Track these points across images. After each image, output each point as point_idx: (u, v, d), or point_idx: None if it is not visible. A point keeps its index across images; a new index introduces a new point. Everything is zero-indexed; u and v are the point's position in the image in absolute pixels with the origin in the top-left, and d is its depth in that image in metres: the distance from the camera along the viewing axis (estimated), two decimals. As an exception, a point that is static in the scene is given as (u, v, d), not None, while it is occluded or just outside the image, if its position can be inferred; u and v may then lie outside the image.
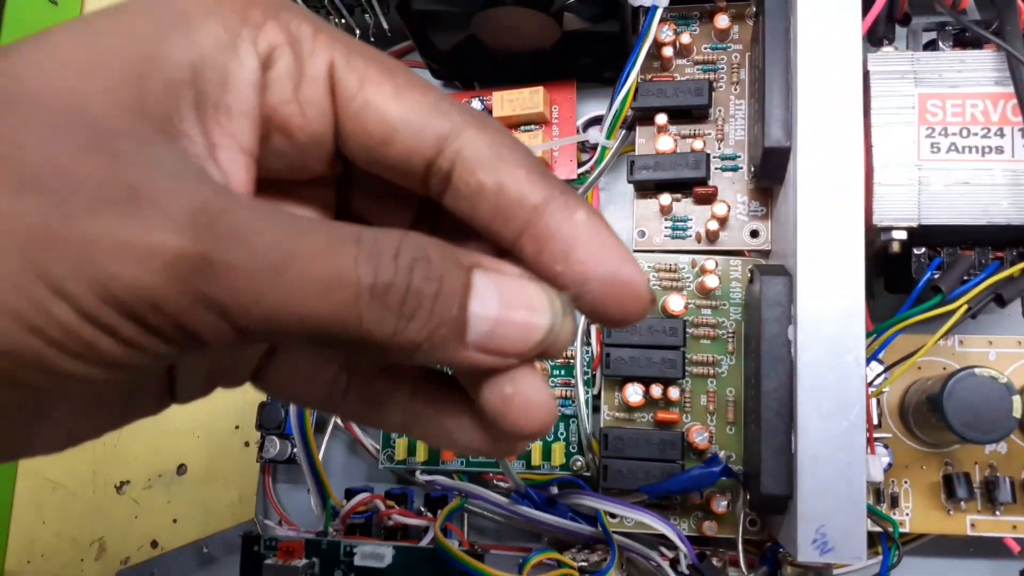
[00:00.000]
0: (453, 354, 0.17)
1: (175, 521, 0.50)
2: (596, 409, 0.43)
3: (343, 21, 0.46)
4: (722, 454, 0.40)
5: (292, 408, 0.44)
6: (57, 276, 0.14)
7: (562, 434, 0.44)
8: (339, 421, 0.45)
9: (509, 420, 0.18)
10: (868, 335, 0.36)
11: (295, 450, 0.44)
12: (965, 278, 0.36)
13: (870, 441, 0.36)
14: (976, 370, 0.35)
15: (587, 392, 0.43)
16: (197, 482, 0.50)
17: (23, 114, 0.15)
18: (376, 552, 0.37)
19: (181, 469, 0.50)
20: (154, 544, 0.50)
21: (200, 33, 0.17)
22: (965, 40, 0.38)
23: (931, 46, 0.39)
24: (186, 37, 0.17)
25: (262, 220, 0.15)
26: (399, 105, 0.18)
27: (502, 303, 0.17)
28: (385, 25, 0.46)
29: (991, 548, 0.40)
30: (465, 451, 0.27)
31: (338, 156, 0.19)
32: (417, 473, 0.44)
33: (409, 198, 0.20)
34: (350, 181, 0.21)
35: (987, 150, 0.35)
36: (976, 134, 0.35)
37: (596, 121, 0.46)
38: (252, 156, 0.18)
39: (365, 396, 0.21)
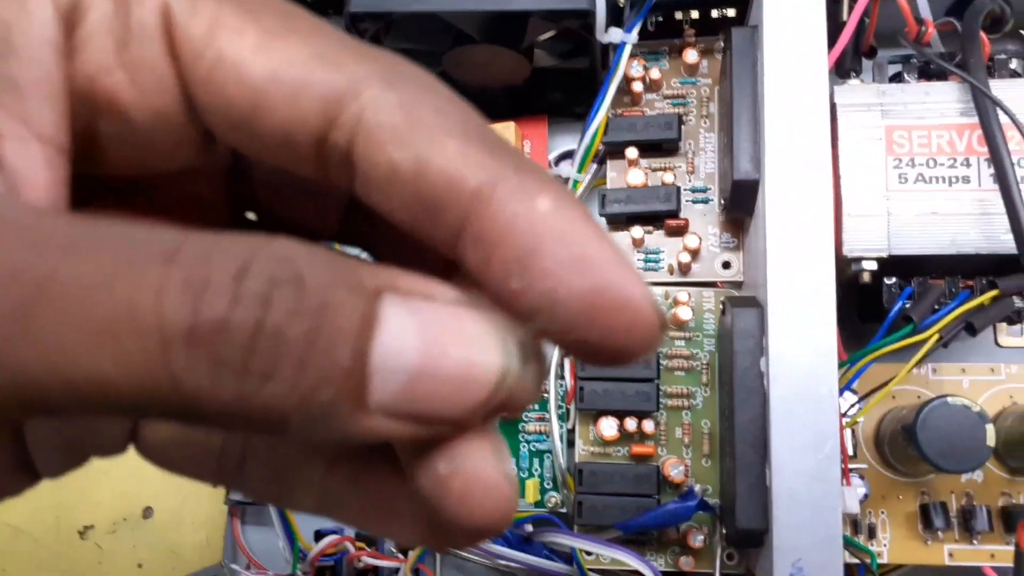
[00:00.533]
0: (347, 424, 0.11)
1: (140, 566, 0.48)
2: (571, 444, 0.42)
3: (314, 57, 0.46)
4: (698, 487, 0.40)
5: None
6: None
7: (536, 470, 0.43)
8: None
9: (448, 510, 0.12)
10: (841, 365, 0.36)
11: (264, 491, 0.43)
12: (936, 307, 0.36)
13: (845, 472, 0.36)
14: (949, 399, 0.35)
15: (561, 427, 0.42)
16: (164, 526, 0.48)
17: None
18: (346, 595, 0.36)
19: (147, 512, 0.49)
20: (119, 591, 0.48)
21: None
22: (930, 72, 0.38)
23: (897, 78, 0.39)
24: None
25: (14, 235, 0.10)
26: (266, 58, 0.13)
27: (424, 345, 0.11)
28: (356, 61, 0.46)
29: (969, 579, 0.40)
30: (403, 543, 0.20)
31: (213, 141, 0.14)
32: (390, 513, 0.43)
33: (320, 197, 0.15)
34: (247, 172, 0.15)
35: (954, 180, 0.35)
36: (943, 164, 0.35)
37: (568, 155, 0.46)
38: (59, 148, 0.13)
39: (266, 472, 0.16)
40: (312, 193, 0.15)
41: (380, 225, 0.14)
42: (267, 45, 0.13)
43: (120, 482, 0.49)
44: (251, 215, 0.16)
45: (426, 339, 0.11)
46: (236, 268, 0.10)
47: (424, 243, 0.13)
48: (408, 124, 0.12)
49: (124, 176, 0.14)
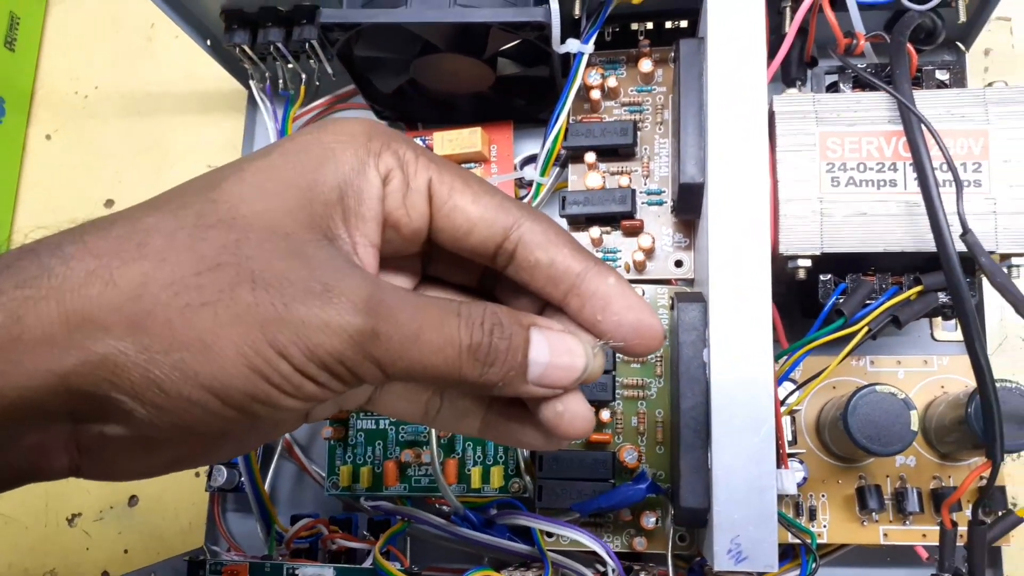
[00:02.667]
0: (519, 388, 0.25)
1: (126, 552, 0.50)
2: (533, 433, 0.44)
3: (290, 67, 0.48)
4: (649, 472, 0.42)
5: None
6: (281, 344, 0.21)
7: (501, 458, 0.45)
8: (285, 449, 0.47)
9: (560, 430, 0.26)
10: (781, 355, 0.38)
11: (242, 478, 0.45)
12: (867, 302, 0.38)
13: (783, 456, 0.38)
14: (877, 387, 0.37)
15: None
16: (148, 512, 0.51)
17: (243, 230, 0.22)
18: (318, 573, 0.38)
19: (132, 500, 0.51)
20: (105, 575, 0.50)
21: (341, 162, 0.24)
22: (864, 82, 0.41)
23: (834, 87, 0.42)
24: (332, 167, 0.24)
25: (404, 302, 0.23)
26: (477, 207, 0.26)
27: (552, 351, 0.25)
28: (329, 70, 0.48)
29: (904, 556, 0.43)
30: (528, 448, 0.34)
31: (428, 240, 0.26)
32: (361, 499, 0.45)
33: (474, 266, 0.29)
34: (432, 255, 0.28)
35: (882, 183, 0.38)
36: (872, 168, 0.38)
37: (532, 159, 0.49)
38: (377, 248, 0.25)
39: (453, 413, 0.29)
40: (466, 267, 0.29)
41: (508, 287, 0.29)
42: (478, 200, 0.26)
43: (106, 471, 0.51)
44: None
45: (552, 349, 0.25)
46: (480, 317, 0.24)
47: (538, 297, 0.27)
48: (546, 240, 0.26)
49: (388, 257, 0.26)
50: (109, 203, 0.56)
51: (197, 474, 0.50)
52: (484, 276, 0.29)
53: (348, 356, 0.22)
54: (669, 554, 0.42)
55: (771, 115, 0.39)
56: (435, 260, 0.29)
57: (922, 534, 0.41)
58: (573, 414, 0.26)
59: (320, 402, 0.23)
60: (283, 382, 0.22)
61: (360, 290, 0.22)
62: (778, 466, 0.35)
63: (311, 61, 0.48)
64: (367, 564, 0.41)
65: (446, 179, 0.26)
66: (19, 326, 0.20)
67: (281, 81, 0.49)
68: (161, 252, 0.21)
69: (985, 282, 0.39)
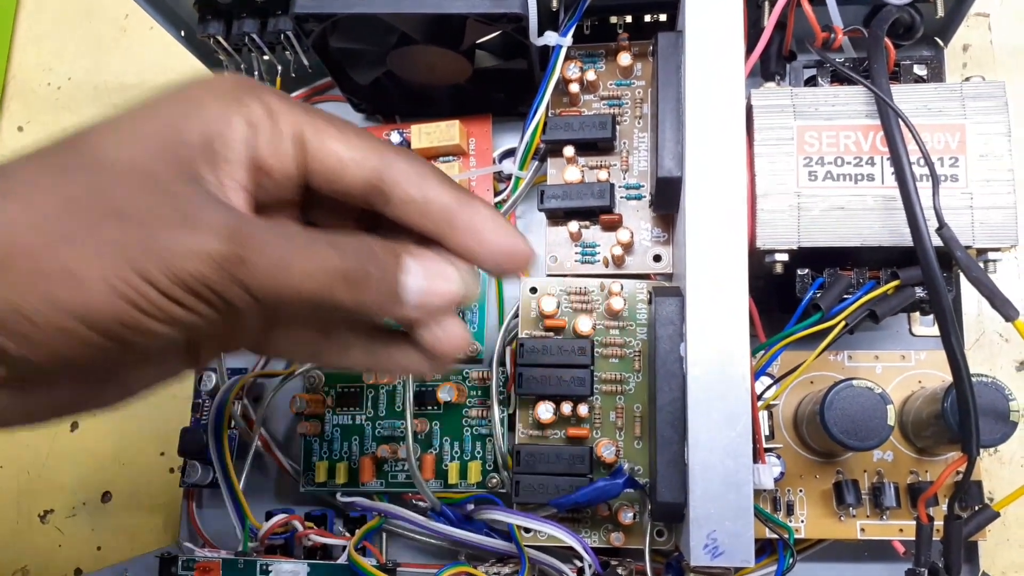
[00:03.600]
0: (398, 312, 0.26)
1: (99, 549, 0.50)
2: (512, 428, 0.44)
3: (266, 58, 0.48)
4: (627, 467, 0.42)
5: (211, 433, 0.45)
6: (146, 270, 0.22)
7: (479, 453, 0.45)
8: (260, 445, 0.46)
9: (440, 350, 0.28)
10: (756, 350, 0.38)
11: (216, 474, 0.45)
12: (844, 297, 0.38)
13: (760, 451, 0.38)
14: (854, 382, 0.37)
15: (502, 412, 0.44)
16: (122, 509, 0.50)
17: (108, 172, 0.23)
18: (292, 570, 0.38)
19: (106, 497, 0.50)
20: (78, 572, 0.50)
21: (206, 110, 0.25)
22: (842, 76, 0.41)
23: (812, 81, 0.42)
24: (197, 113, 0.24)
25: (272, 232, 0.24)
26: (348, 149, 0.26)
27: (426, 276, 0.26)
28: (305, 62, 0.48)
29: (881, 551, 0.43)
30: (411, 372, 0.35)
31: (305, 187, 0.27)
32: (337, 495, 0.45)
33: (352, 210, 0.29)
34: (311, 201, 0.29)
35: (860, 178, 0.38)
36: (849, 163, 0.38)
37: (511, 153, 0.48)
38: (248, 191, 0.26)
39: (338, 346, 0.29)
40: (343, 211, 0.29)
41: (387, 228, 0.28)
42: (347, 142, 0.26)
43: (79, 467, 0.51)
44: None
45: (427, 273, 0.26)
46: (354, 246, 0.25)
47: (413, 232, 0.27)
48: (417, 177, 0.27)
49: (264, 203, 0.27)
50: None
51: (172, 470, 0.50)
52: (363, 219, 0.29)
53: (214, 280, 0.23)
54: (647, 549, 0.42)
55: (749, 109, 0.39)
56: (314, 207, 0.29)
57: (899, 529, 0.41)
58: (452, 335, 0.28)
59: (192, 328, 0.23)
60: (150, 307, 0.22)
61: (224, 219, 0.23)
62: (755, 461, 0.35)
63: (287, 52, 0.47)
64: (342, 560, 0.40)
65: (318, 125, 0.26)
66: None
67: (256, 73, 0.48)
68: (26, 196, 0.22)
69: (962, 277, 0.39)
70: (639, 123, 0.46)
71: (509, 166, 0.47)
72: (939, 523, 0.37)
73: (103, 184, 0.23)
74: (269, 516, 0.43)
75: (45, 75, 0.57)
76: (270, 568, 0.38)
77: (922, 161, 0.37)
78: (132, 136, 0.24)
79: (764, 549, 0.42)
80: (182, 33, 0.47)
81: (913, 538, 0.40)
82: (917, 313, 0.46)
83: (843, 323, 0.37)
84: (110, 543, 0.50)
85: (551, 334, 0.44)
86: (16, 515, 0.51)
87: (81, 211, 0.22)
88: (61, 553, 0.50)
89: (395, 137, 0.48)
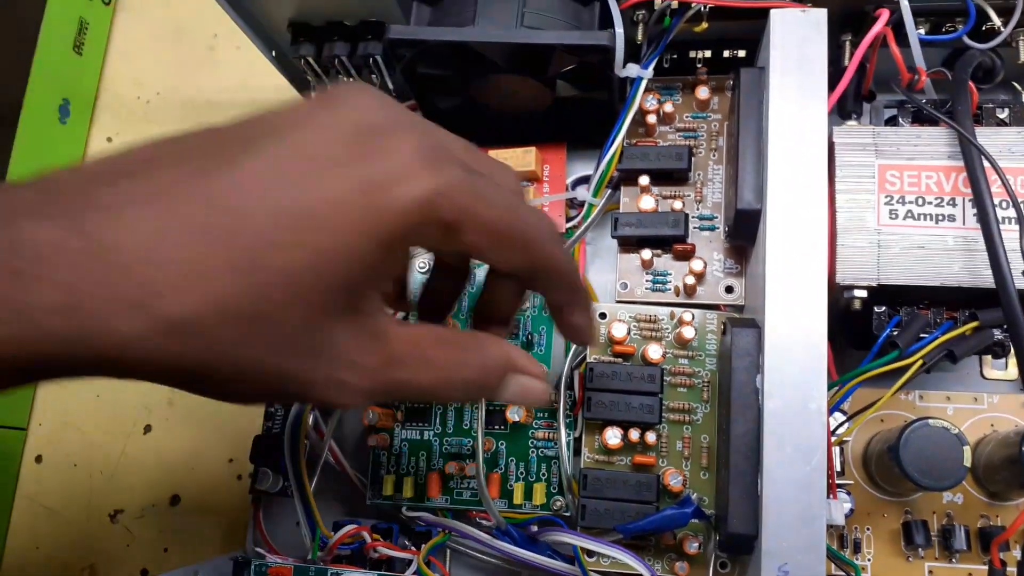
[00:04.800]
0: (493, 397, 0.32)
1: (166, 550, 0.51)
2: (577, 452, 0.45)
3: (351, 79, 0.49)
4: (695, 496, 0.42)
5: (287, 442, 0.46)
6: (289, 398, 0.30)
7: (543, 475, 0.46)
8: (331, 457, 0.47)
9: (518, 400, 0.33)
10: (831, 386, 0.38)
11: (287, 483, 0.46)
12: (921, 335, 0.38)
13: (832, 487, 0.38)
14: (930, 421, 0.37)
15: (568, 435, 0.45)
16: (189, 513, 0.51)
17: (271, 276, 0.24)
18: (362, 580, 0.39)
19: (175, 500, 0.52)
20: (144, 572, 0.51)
21: (395, 251, 0.26)
22: (923, 117, 0.41)
23: (892, 121, 0.42)
24: (385, 254, 0.26)
25: (411, 355, 0.28)
26: (507, 265, 0.30)
27: (522, 391, 0.31)
28: (391, 86, 0.49)
29: (948, 595, 0.42)
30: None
31: None
32: (403, 509, 0.46)
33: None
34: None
35: (940, 218, 0.38)
36: (931, 203, 0.38)
37: (584, 180, 0.49)
38: (394, 281, 0.33)
39: None
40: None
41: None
42: (505, 256, 0.29)
43: (150, 471, 0.52)
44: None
45: (523, 389, 0.31)
46: (474, 372, 0.30)
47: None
48: (550, 284, 0.32)
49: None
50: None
51: (239, 477, 0.51)
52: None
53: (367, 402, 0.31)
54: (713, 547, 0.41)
55: (831, 146, 0.39)
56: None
57: (968, 573, 0.41)
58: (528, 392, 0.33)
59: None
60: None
61: (368, 379, 0.27)
62: (827, 496, 0.35)
63: (372, 76, 0.49)
64: (409, 574, 0.41)
65: (484, 243, 0.28)
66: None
67: (342, 94, 0.50)
68: (210, 348, 0.24)
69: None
70: (714, 155, 0.47)
71: (583, 193, 0.48)
72: (1011, 569, 0.37)
73: (263, 290, 0.24)
74: (337, 526, 0.44)
75: (135, 89, 0.59)
76: (342, 575, 0.39)
77: (1005, 203, 0.37)
78: (311, 240, 0.25)
79: (828, 586, 0.42)
80: (273, 53, 0.49)
81: (982, 583, 0.40)
82: (989, 356, 0.45)
83: (921, 361, 0.37)
84: (176, 545, 0.51)
85: (620, 360, 0.45)
86: (87, 514, 0.52)
87: (228, 312, 0.24)
88: (128, 553, 0.51)
89: (472, 161, 0.49)
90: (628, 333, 0.45)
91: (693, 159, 0.46)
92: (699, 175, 0.47)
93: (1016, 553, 0.40)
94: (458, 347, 0.30)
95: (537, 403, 0.33)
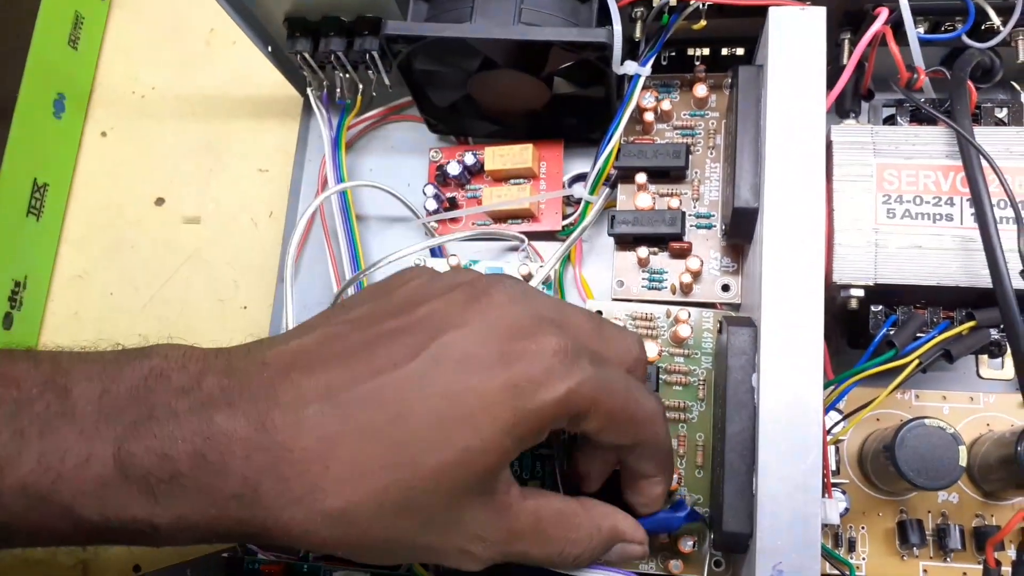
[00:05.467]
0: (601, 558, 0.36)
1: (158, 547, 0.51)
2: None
3: (347, 76, 0.49)
4: (688, 497, 0.42)
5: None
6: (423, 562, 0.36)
7: (538, 473, 0.45)
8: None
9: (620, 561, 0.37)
10: (827, 385, 0.38)
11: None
12: (918, 335, 0.38)
13: (827, 485, 0.38)
14: (926, 420, 0.37)
15: (564, 434, 0.44)
16: (183, 509, 0.51)
17: (418, 470, 0.29)
18: (355, 577, 0.38)
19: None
20: (136, 569, 0.51)
21: (534, 428, 0.30)
22: (921, 116, 0.41)
23: (890, 120, 0.42)
24: (526, 430, 0.30)
25: (534, 534, 0.32)
26: (615, 441, 0.34)
27: (620, 556, 0.36)
28: (387, 81, 0.49)
29: (943, 595, 0.42)
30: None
31: None
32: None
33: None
34: None
35: (938, 217, 0.38)
36: (928, 202, 0.38)
37: (581, 177, 0.49)
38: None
39: None
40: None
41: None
42: (616, 434, 0.34)
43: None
44: None
45: (622, 553, 0.36)
46: (588, 540, 0.34)
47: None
48: (644, 465, 0.37)
49: None
50: (160, 201, 0.56)
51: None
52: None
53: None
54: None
55: (829, 145, 0.39)
56: None
57: (963, 572, 0.41)
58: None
59: None
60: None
61: (490, 554, 0.31)
62: (823, 495, 0.35)
63: (369, 72, 0.49)
64: (403, 570, 0.41)
65: (602, 427, 0.32)
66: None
67: (339, 90, 0.50)
68: (364, 534, 0.29)
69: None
70: (711, 153, 0.47)
71: (579, 190, 0.48)
72: (1006, 568, 0.37)
73: (415, 484, 0.28)
74: (330, 524, 0.44)
75: (130, 84, 0.59)
76: (333, 574, 0.39)
77: (1003, 203, 0.37)
78: (460, 439, 0.29)
79: (822, 586, 0.42)
80: (269, 48, 0.49)
81: (976, 583, 0.40)
82: (985, 356, 0.45)
83: (918, 361, 0.37)
84: (169, 542, 0.51)
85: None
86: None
87: (399, 522, 0.29)
88: (121, 550, 0.51)
89: (469, 158, 0.49)
90: (624, 331, 0.44)
91: (690, 157, 0.46)
92: (696, 173, 0.47)
93: (1011, 553, 0.40)
94: (574, 526, 0.33)
95: (632, 564, 0.38)
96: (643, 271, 0.46)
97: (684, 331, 0.44)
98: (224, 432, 0.27)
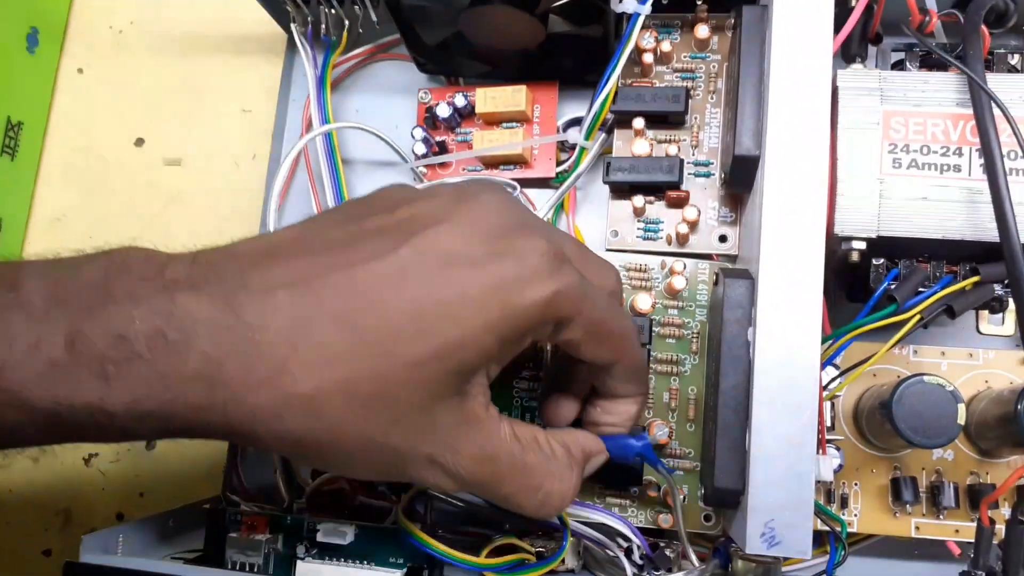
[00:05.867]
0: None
1: (142, 495, 0.50)
2: (562, 402, 0.44)
3: (333, 12, 0.47)
4: (650, 434, 0.41)
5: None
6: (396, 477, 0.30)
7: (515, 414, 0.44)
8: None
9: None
10: (825, 340, 0.37)
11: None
12: (920, 290, 0.37)
13: (822, 442, 0.37)
14: (925, 377, 0.36)
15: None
16: (166, 457, 0.50)
17: (400, 392, 0.28)
18: (338, 530, 0.38)
19: (151, 444, 0.51)
20: (120, 517, 0.50)
21: (519, 341, 0.29)
22: (931, 62, 0.39)
23: (899, 66, 0.40)
24: (511, 342, 0.29)
25: (508, 464, 0.31)
26: (594, 356, 0.33)
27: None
28: (374, 18, 0.47)
29: (934, 551, 0.42)
30: None
31: None
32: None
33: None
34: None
35: (945, 168, 0.36)
36: (936, 152, 0.36)
37: (576, 122, 0.47)
38: (500, 369, 0.31)
39: None
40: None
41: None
42: (597, 349, 0.33)
43: (125, 414, 0.51)
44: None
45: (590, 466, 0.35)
46: (564, 493, 0.33)
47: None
48: (623, 382, 0.36)
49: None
50: (139, 142, 0.54)
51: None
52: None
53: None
54: (682, 531, 0.40)
55: (834, 91, 0.37)
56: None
57: (955, 530, 0.40)
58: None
59: None
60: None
61: (461, 469, 0.29)
62: (816, 452, 0.34)
63: (356, 7, 0.46)
64: (389, 523, 0.40)
65: (583, 338, 0.31)
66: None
67: (324, 26, 0.48)
68: (333, 426, 0.27)
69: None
70: (712, 98, 0.45)
71: (574, 135, 0.46)
72: (1000, 527, 0.37)
73: (396, 401, 0.27)
74: (315, 475, 0.43)
75: (107, 18, 0.56)
76: (317, 527, 0.38)
77: (1013, 154, 0.35)
78: (440, 332, 0.27)
79: (813, 540, 0.41)
80: (251, -19, 0.47)
81: (968, 540, 0.40)
82: (986, 311, 0.44)
83: (919, 316, 0.36)
84: (153, 490, 0.50)
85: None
86: (61, 457, 0.51)
87: (370, 413, 0.27)
88: (104, 497, 0.50)
89: (459, 100, 0.47)
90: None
91: (690, 101, 0.44)
92: (696, 119, 0.45)
93: (1005, 511, 0.40)
94: (551, 451, 0.33)
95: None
96: (639, 221, 0.45)
97: (679, 283, 0.42)
98: (187, 312, 0.25)
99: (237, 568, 0.38)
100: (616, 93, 0.44)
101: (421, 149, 0.47)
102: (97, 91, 0.56)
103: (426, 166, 0.48)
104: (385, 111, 0.50)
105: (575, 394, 0.37)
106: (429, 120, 0.48)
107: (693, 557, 0.40)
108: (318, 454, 0.28)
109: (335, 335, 0.26)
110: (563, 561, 0.41)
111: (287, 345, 0.26)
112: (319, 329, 0.26)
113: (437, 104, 0.47)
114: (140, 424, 0.26)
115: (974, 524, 0.39)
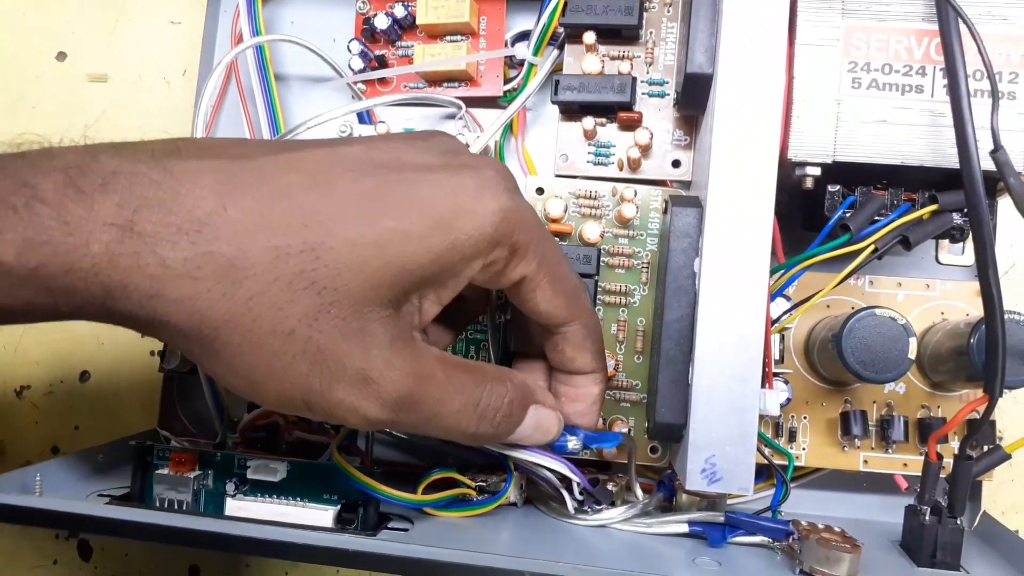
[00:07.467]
0: (511, 436, 0.32)
1: (76, 428, 0.48)
2: (507, 334, 0.42)
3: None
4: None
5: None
6: (315, 409, 0.27)
7: (472, 357, 0.43)
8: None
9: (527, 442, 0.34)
10: (775, 271, 0.36)
11: (197, 361, 0.43)
12: (876, 218, 0.35)
13: (768, 376, 0.36)
14: (876, 310, 0.35)
15: (499, 316, 0.42)
16: (100, 390, 0.48)
17: (325, 304, 0.25)
18: (269, 466, 0.36)
19: (84, 376, 0.49)
20: (55, 450, 0.49)
21: (460, 255, 0.27)
22: (899, -28, 0.37)
23: (864, -23, 0.38)
24: (449, 254, 0.27)
25: (440, 386, 0.28)
26: (548, 306, 0.31)
27: (535, 428, 0.32)
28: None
29: (882, 484, 0.42)
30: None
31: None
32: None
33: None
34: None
35: (907, 88, 0.34)
36: (898, 71, 0.34)
37: (524, 36, 0.44)
38: (442, 305, 0.29)
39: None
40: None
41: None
42: (552, 300, 0.31)
43: (56, 344, 0.49)
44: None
45: (536, 426, 0.33)
46: (500, 401, 0.31)
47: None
48: (579, 343, 0.34)
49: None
50: (61, 56, 0.51)
51: (152, 353, 0.48)
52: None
53: (369, 426, 0.29)
54: (632, 465, 0.40)
55: (792, 3, 0.35)
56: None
57: (903, 463, 0.40)
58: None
59: None
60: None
61: (396, 386, 0.27)
62: (762, 386, 0.33)
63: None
64: (325, 459, 0.39)
65: (538, 279, 0.30)
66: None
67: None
68: (252, 300, 0.24)
69: (1000, 205, 0.37)
70: (668, 11, 0.42)
71: (522, 50, 0.43)
72: (948, 460, 0.36)
73: (318, 316, 0.25)
74: (251, 409, 0.42)
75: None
76: (248, 463, 0.37)
77: (979, 75, 0.33)
78: (374, 259, 0.25)
79: (760, 473, 0.40)
80: None
81: (916, 473, 0.39)
82: (946, 240, 0.43)
83: (873, 247, 0.34)
84: (87, 423, 0.48)
85: (556, 240, 0.41)
86: (-9, 388, 0.49)
87: (290, 338, 0.25)
88: (38, 430, 0.49)
89: (399, 10, 0.44)
90: (565, 211, 0.41)
91: (645, 15, 0.42)
92: (651, 34, 0.42)
93: (954, 445, 0.39)
94: (487, 373, 0.30)
95: (546, 440, 0.33)
96: (589, 144, 0.43)
97: (629, 211, 0.40)
98: (106, 166, 0.23)
99: (165, 506, 0.36)
100: (566, 4, 0.41)
101: (358, 64, 0.44)
102: (15, 2, 0.52)
103: (364, 82, 0.45)
104: (321, 23, 0.47)
105: (534, 356, 0.36)
106: (367, 32, 0.45)
107: (638, 490, 0.39)
108: (238, 353, 0.25)
109: (269, 203, 0.25)
110: (507, 497, 0.40)
111: (215, 200, 0.24)
112: (253, 194, 0.24)
113: (375, 15, 0.44)
114: (32, 283, 0.23)
115: (922, 458, 0.39)
